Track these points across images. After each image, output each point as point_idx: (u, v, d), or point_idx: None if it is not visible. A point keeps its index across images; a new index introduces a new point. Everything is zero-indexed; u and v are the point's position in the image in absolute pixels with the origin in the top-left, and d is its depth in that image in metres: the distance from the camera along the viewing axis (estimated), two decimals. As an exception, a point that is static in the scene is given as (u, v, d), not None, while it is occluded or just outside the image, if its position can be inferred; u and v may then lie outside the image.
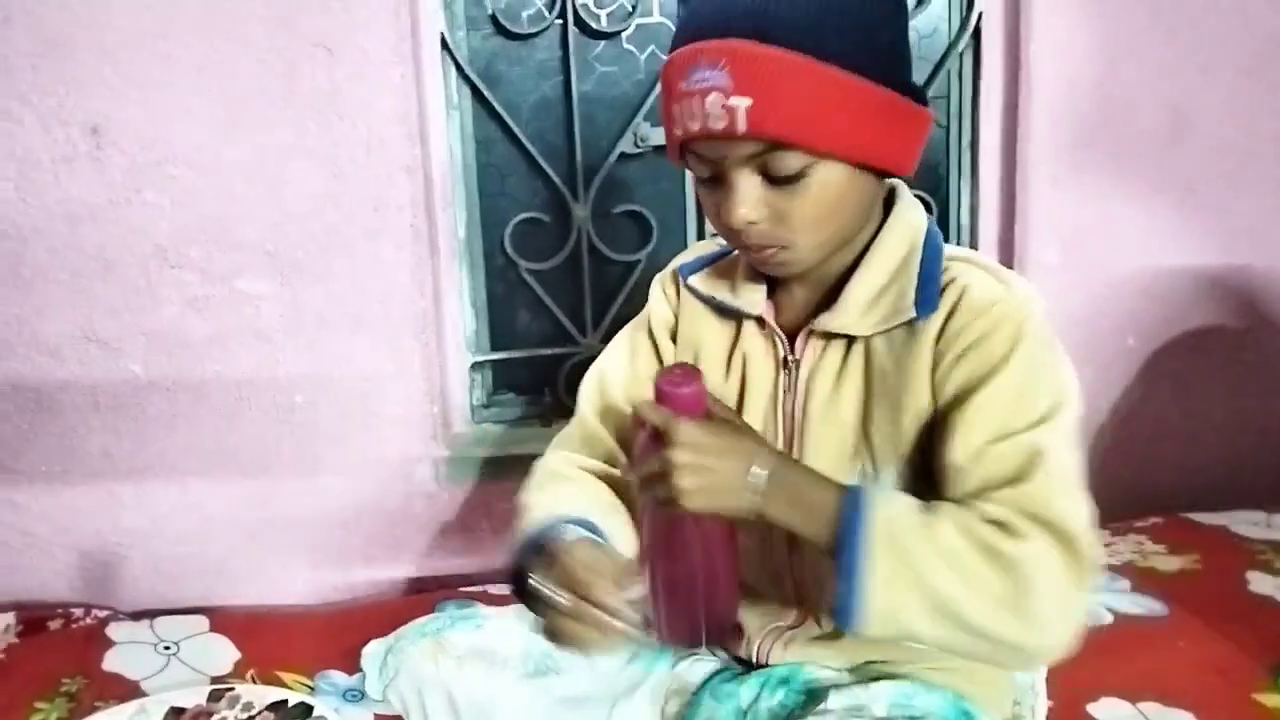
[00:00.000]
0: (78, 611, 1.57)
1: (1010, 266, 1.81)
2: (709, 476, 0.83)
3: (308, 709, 1.22)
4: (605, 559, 0.89)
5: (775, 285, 1.01)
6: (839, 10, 0.81)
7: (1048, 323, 0.89)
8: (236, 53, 1.54)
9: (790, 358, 0.99)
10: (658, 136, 1.75)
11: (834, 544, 0.81)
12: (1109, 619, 1.40)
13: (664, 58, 1.84)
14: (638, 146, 1.76)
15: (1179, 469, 1.91)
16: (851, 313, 0.93)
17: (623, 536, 0.99)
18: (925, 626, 0.80)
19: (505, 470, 1.74)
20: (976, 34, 1.78)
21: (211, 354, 1.63)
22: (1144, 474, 1.90)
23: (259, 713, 1.22)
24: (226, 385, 1.64)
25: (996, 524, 0.81)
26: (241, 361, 1.64)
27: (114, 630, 1.49)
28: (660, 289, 1.12)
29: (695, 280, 1.06)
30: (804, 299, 0.99)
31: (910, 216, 0.96)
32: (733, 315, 1.04)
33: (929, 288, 0.91)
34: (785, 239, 0.89)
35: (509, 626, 1.15)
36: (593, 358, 1.80)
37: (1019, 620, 0.79)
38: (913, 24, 1.78)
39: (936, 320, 0.90)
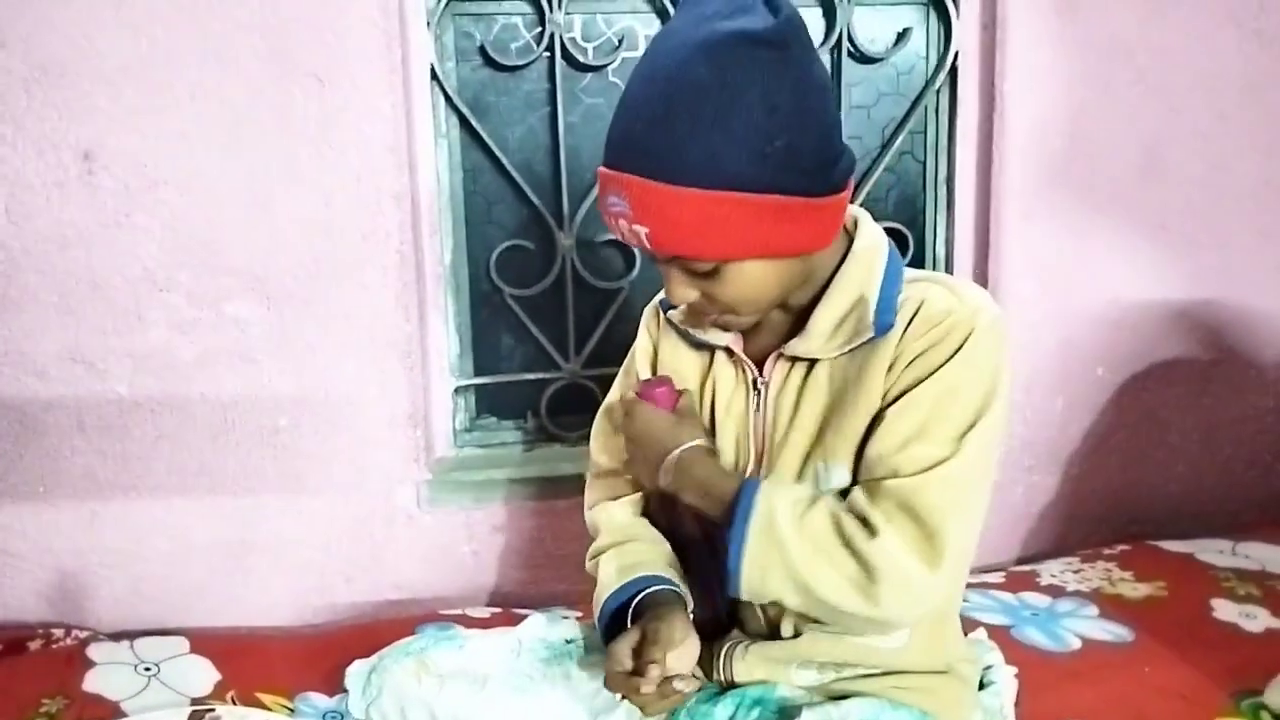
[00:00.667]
0: (58, 632, 1.57)
1: (984, 298, 1.85)
2: (638, 453, 1.09)
3: (289, 730, 1.22)
4: (681, 630, 1.00)
5: None
6: (717, 144, 0.88)
7: (998, 331, 0.97)
8: (230, 81, 1.56)
9: (760, 380, 1.07)
10: (641, 167, 1.78)
11: (727, 524, 0.97)
12: (1077, 644, 1.43)
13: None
14: (621, 177, 1.79)
15: (1146, 497, 1.95)
16: (817, 339, 1.01)
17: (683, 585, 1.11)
18: (788, 595, 0.97)
19: (487, 494, 1.76)
20: (953, 72, 1.82)
21: (197, 376, 1.64)
22: (1112, 502, 1.94)
23: (240, 734, 1.23)
24: (212, 407, 1.66)
25: (862, 519, 0.94)
26: (227, 384, 1.65)
27: (94, 651, 1.49)
28: (645, 320, 1.21)
29: (674, 313, 1.14)
30: (771, 327, 1.07)
31: (870, 246, 1.02)
32: (706, 345, 1.12)
33: (887, 310, 0.99)
34: (721, 311, 1.00)
35: (490, 646, 1.18)
36: (575, 383, 1.85)
37: (864, 599, 0.93)
38: (891, 62, 1.84)
39: (895, 333, 0.98)
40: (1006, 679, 1.22)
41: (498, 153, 1.76)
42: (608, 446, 1.22)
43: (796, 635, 1.07)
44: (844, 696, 1.05)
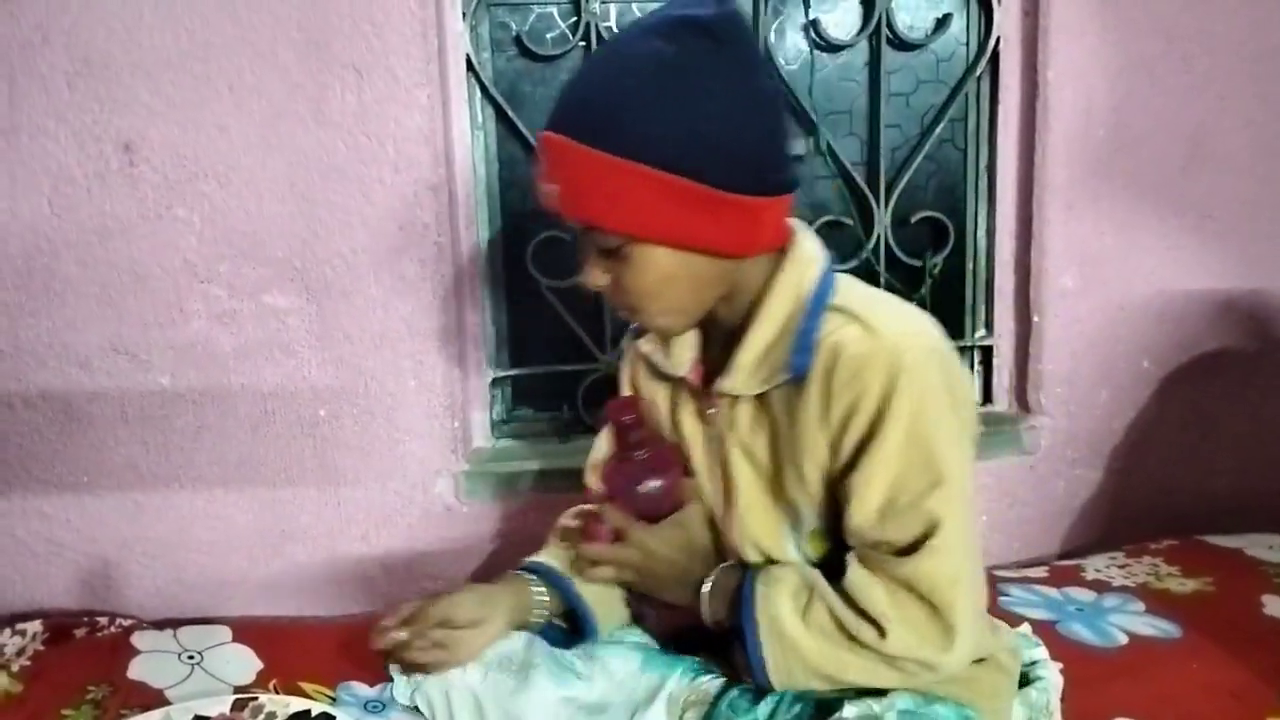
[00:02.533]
0: (103, 620, 1.59)
1: (1027, 290, 1.82)
2: (650, 578, 1.11)
3: (329, 719, 1.23)
4: (466, 611, 1.11)
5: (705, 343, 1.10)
6: (640, 116, 0.89)
7: (930, 362, 0.93)
8: (268, 73, 1.57)
9: (709, 412, 1.08)
10: (678, 158, 1.77)
11: (737, 629, 1.02)
12: (1123, 640, 1.41)
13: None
14: (658, 167, 1.78)
15: (1194, 491, 1.92)
16: (739, 376, 1.01)
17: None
18: (818, 685, 1.00)
19: (523, 485, 1.76)
20: (994, 59, 1.80)
21: (238, 367, 1.66)
22: (1159, 496, 1.91)
23: (282, 722, 1.23)
24: (252, 398, 1.67)
25: (866, 615, 0.95)
26: (267, 375, 1.67)
27: (138, 639, 1.50)
28: (624, 354, 1.24)
29: (641, 341, 1.16)
30: (715, 357, 1.07)
31: (798, 270, 1.00)
32: (670, 376, 1.13)
33: (802, 349, 0.97)
34: (630, 304, 1.00)
35: (532, 635, 1.18)
36: (611, 374, 1.84)
37: (894, 677, 0.98)
38: (931, 48, 1.81)
39: (817, 378, 0.96)
40: (1052, 674, 1.20)
41: (534, 143, 1.76)
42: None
43: None
44: (884, 691, 1.03)
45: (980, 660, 1.07)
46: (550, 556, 1.24)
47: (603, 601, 1.20)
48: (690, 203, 0.91)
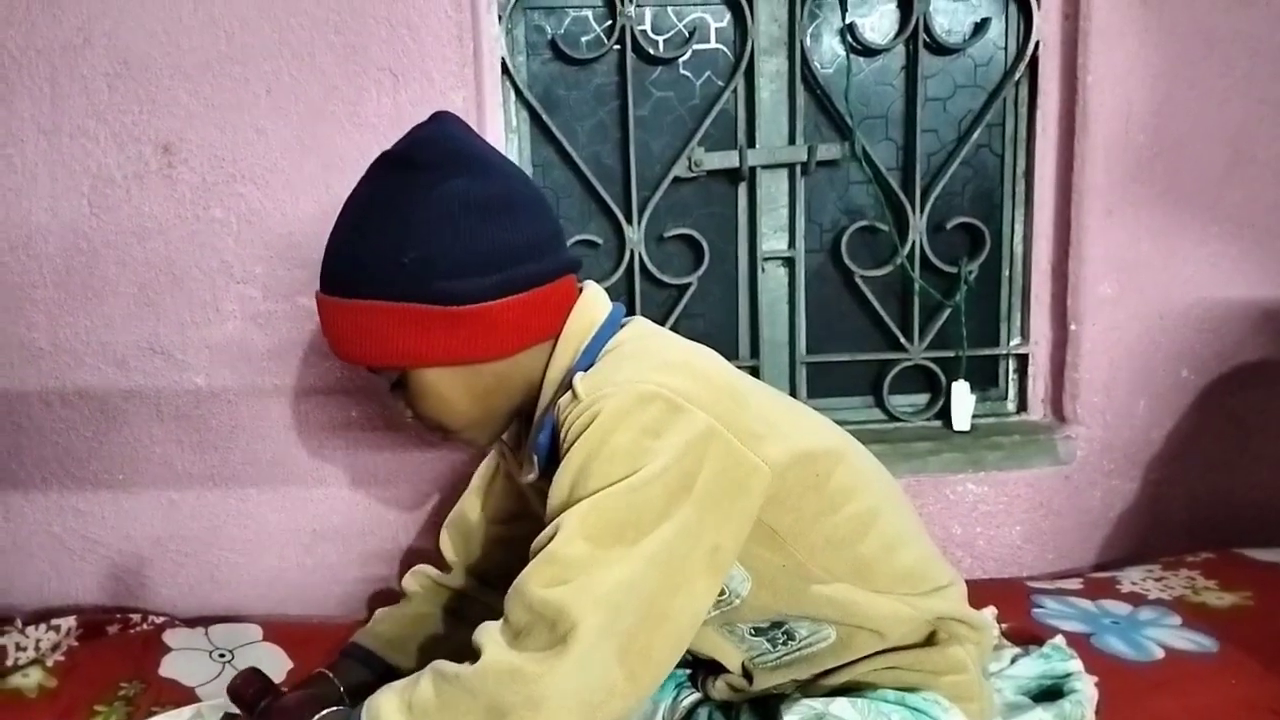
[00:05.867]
0: (135, 617, 1.60)
1: (1064, 297, 1.80)
2: None
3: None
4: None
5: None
6: (358, 256, 0.97)
7: (633, 401, 0.89)
8: (305, 76, 1.58)
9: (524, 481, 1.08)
10: (712, 161, 1.77)
11: None
12: (1160, 654, 1.38)
13: (719, 83, 1.86)
14: (691, 171, 1.78)
15: (1232, 503, 1.89)
16: (527, 473, 1.04)
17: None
18: None
19: (554, 488, 1.76)
20: (1033, 63, 1.78)
21: (272, 368, 1.67)
22: (1196, 508, 1.88)
23: (313, 721, 1.24)
24: (286, 398, 1.68)
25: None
26: (301, 376, 1.68)
27: (170, 636, 1.52)
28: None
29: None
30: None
31: (567, 349, 1.02)
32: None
33: (543, 430, 0.99)
34: (433, 427, 1.05)
35: None
36: (642, 379, 1.83)
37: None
38: (968, 53, 1.80)
39: (561, 454, 0.94)
40: (1087, 688, 1.19)
41: (567, 147, 1.76)
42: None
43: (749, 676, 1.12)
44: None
45: (930, 638, 1.07)
46: (376, 630, 1.30)
47: (393, 642, 1.28)
48: (425, 325, 0.95)
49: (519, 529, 1.22)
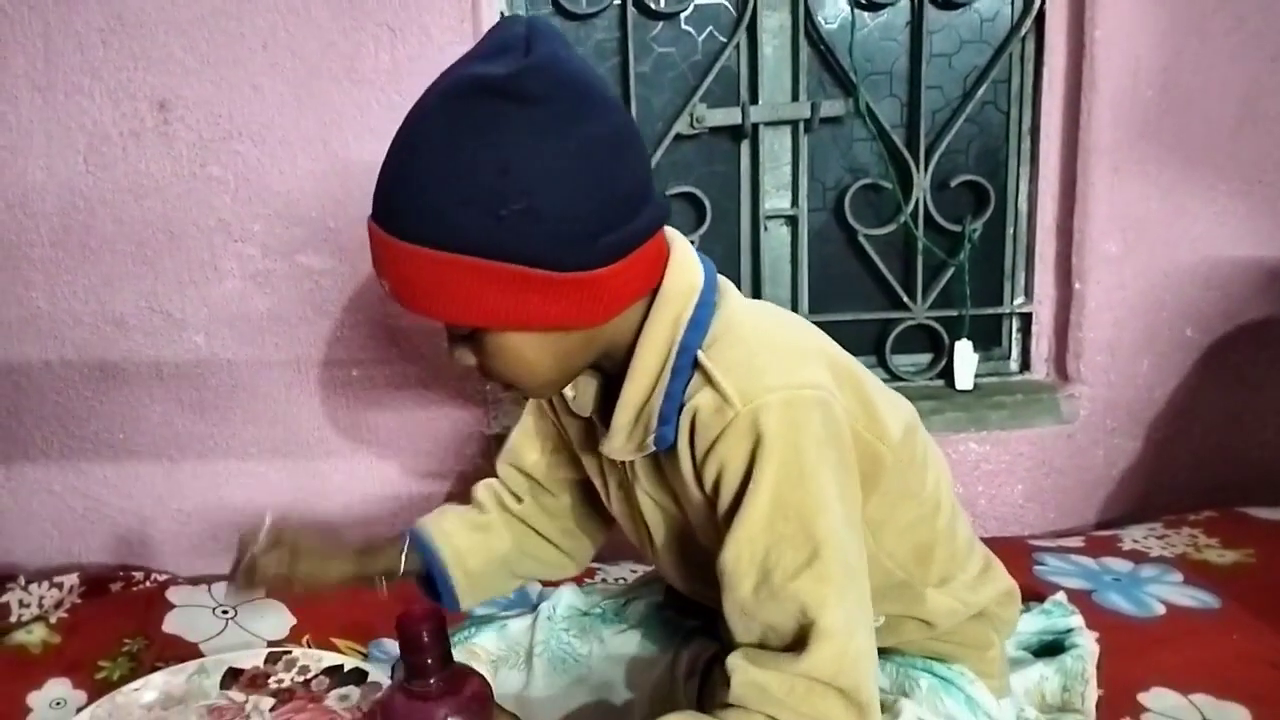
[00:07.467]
0: (138, 575, 1.61)
1: (1069, 255, 1.79)
2: None
3: (362, 674, 1.24)
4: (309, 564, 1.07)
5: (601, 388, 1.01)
6: (443, 202, 0.79)
7: (796, 412, 0.84)
8: (302, 31, 1.56)
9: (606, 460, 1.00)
10: (714, 118, 1.75)
11: None
12: (1161, 610, 1.39)
13: (722, 39, 1.83)
14: (693, 128, 1.76)
15: (1234, 462, 1.88)
16: (615, 441, 0.93)
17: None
18: None
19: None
20: (1040, 18, 1.75)
21: (272, 327, 1.66)
22: (1199, 467, 1.87)
23: (315, 676, 1.25)
24: (285, 358, 1.67)
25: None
26: (300, 335, 1.67)
27: (174, 594, 1.52)
28: None
29: None
30: (605, 407, 0.98)
31: (671, 310, 0.90)
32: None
33: (666, 419, 0.89)
34: (501, 382, 0.91)
35: (526, 626, 1.20)
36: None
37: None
38: (974, 8, 1.77)
39: (684, 447, 0.88)
40: (1088, 643, 1.19)
41: (568, 104, 1.73)
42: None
43: None
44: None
45: (976, 615, 1.05)
46: (436, 520, 1.20)
47: (472, 575, 1.15)
48: (520, 288, 0.81)
49: (572, 473, 1.17)
